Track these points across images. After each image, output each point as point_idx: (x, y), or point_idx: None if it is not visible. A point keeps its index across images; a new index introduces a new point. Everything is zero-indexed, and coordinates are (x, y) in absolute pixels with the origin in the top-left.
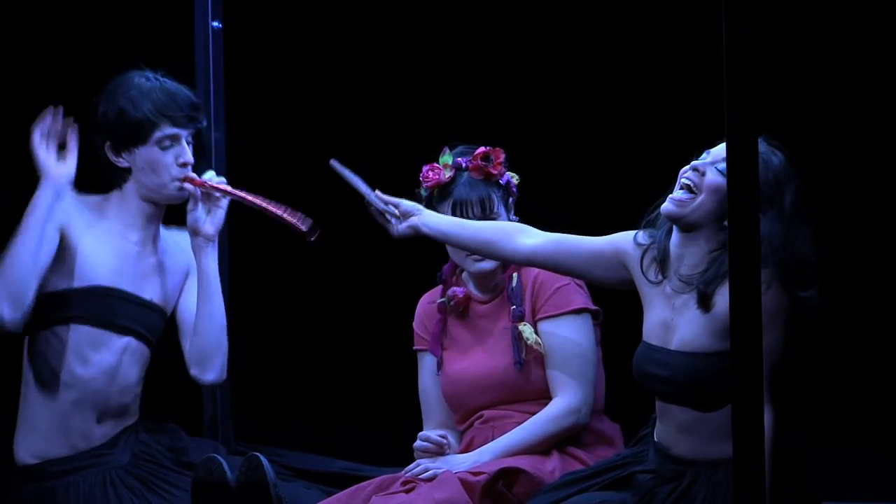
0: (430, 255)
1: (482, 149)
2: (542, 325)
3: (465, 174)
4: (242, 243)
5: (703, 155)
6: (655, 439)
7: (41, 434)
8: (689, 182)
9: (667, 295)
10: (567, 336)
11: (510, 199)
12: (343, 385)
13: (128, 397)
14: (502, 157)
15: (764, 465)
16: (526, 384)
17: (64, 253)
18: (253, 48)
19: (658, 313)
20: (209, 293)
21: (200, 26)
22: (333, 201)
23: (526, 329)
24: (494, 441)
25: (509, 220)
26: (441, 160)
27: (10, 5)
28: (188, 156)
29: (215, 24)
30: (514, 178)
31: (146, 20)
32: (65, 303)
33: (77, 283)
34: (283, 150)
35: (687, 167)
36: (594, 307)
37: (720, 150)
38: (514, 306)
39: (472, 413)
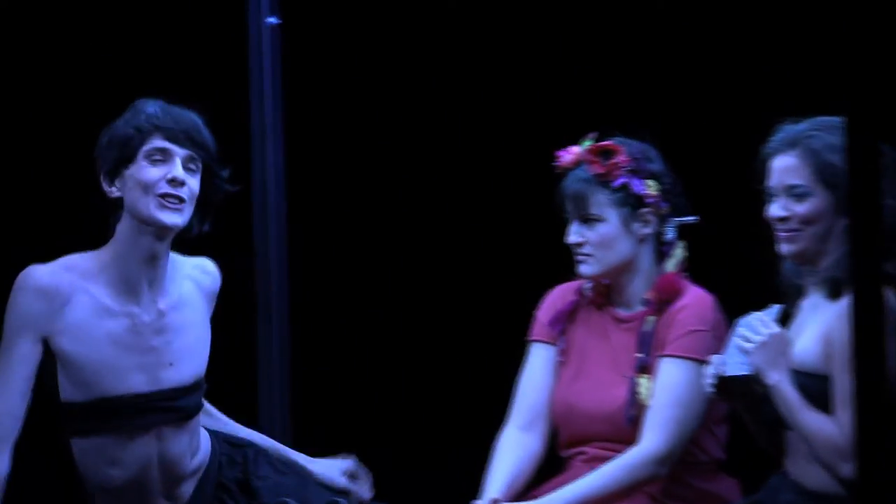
0: (493, 278)
1: (608, 143)
2: (662, 362)
3: (584, 165)
4: (301, 266)
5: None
6: (790, 476)
7: None
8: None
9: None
10: (679, 382)
11: (642, 210)
12: (414, 403)
13: (186, 462)
14: (620, 158)
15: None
16: (636, 428)
17: (62, 359)
18: (313, 46)
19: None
20: None
21: (254, 23)
22: (395, 209)
23: (643, 385)
24: (564, 489)
25: (632, 230)
26: (581, 144)
27: (58, 9)
28: (179, 172)
29: (271, 19)
30: (651, 188)
31: (196, 18)
32: (77, 416)
33: (83, 395)
34: (346, 157)
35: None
36: None
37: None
38: (640, 354)
39: (577, 439)
